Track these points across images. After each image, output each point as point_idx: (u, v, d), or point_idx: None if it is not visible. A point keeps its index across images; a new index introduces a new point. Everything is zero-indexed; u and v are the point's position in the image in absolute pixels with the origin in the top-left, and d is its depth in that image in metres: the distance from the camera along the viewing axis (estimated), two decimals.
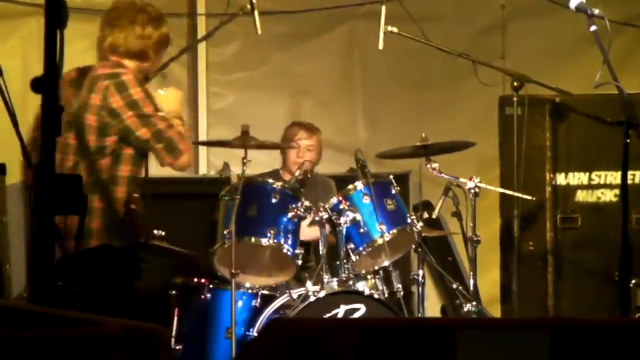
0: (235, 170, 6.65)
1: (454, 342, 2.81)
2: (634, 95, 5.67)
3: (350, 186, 5.70)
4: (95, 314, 2.72)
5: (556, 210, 6.30)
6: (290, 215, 5.54)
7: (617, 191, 6.21)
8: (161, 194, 6.11)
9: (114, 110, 4.57)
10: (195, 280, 5.70)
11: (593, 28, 5.09)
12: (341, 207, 5.62)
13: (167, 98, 4.78)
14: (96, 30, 4.84)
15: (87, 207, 3.32)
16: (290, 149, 6.30)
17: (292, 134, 6.37)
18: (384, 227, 5.58)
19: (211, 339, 5.59)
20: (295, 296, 5.53)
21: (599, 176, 6.29)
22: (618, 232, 5.15)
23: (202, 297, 5.63)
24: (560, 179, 6.31)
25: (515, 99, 6.16)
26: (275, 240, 5.47)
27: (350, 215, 5.60)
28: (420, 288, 5.81)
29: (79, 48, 5.74)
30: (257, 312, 5.58)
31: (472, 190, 5.76)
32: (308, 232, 5.69)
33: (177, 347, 5.57)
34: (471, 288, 5.77)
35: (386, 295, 5.61)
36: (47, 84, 3.08)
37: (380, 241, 5.59)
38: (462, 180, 5.80)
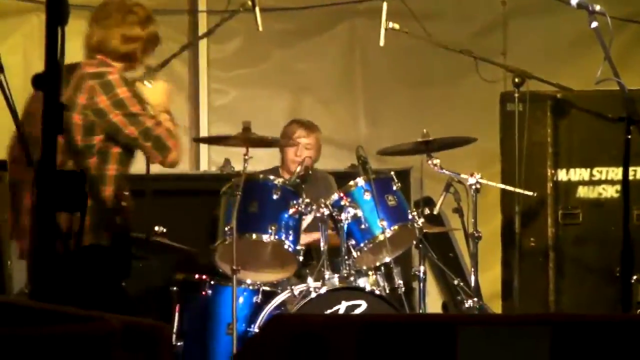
0: (237, 166, 6.66)
1: (455, 338, 2.81)
2: (635, 91, 5.67)
3: (352, 182, 5.70)
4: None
5: (557, 206, 6.30)
6: (291, 211, 5.54)
7: (618, 187, 6.20)
8: (162, 190, 6.11)
9: (101, 110, 4.54)
10: (197, 276, 5.70)
11: (594, 24, 5.09)
12: (342, 203, 5.63)
13: (154, 91, 4.74)
14: None
15: (87, 204, 3.31)
16: (289, 147, 6.30)
17: (290, 131, 6.37)
18: (385, 223, 5.58)
19: (212, 335, 5.59)
20: (296, 292, 5.53)
21: (600, 172, 6.29)
22: (619, 228, 5.15)
23: (203, 293, 5.64)
24: (562, 175, 6.31)
25: (516, 95, 6.16)
26: (277, 237, 5.48)
27: (352, 211, 5.60)
28: (421, 284, 5.81)
29: (80, 45, 5.73)
30: (258, 308, 5.58)
31: (473, 187, 5.76)
32: (303, 238, 5.69)
33: (178, 344, 5.58)
34: (472, 284, 5.77)
35: (387, 291, 5.62)
36: (48, 81, 3.08)
37: (381, 237, 5.59)
38: (463, 176, 5.79)
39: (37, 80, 3.10)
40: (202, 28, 7.39)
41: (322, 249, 5.59)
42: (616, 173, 6.22)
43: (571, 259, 6.28)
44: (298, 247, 5.55)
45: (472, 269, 5.79)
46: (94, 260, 4.52)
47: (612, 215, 6.05)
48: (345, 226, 5.59)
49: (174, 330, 5.61)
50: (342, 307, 5.40)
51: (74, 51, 4.31)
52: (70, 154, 4.56)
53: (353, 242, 5.62)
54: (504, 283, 6.34)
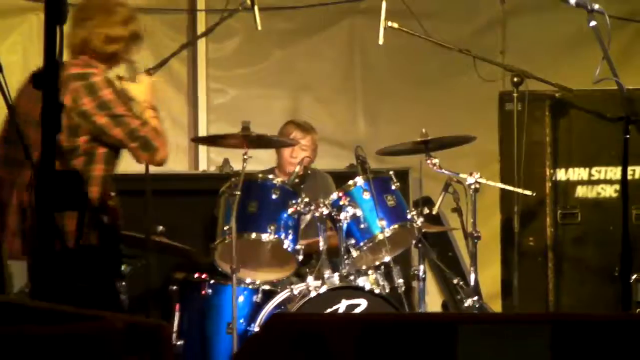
0: (236, 166, 6.66)
1: (455, 337, 2.81)
2: (634, 90, 5.68)
3: (351, 182, 5.70)
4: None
5: (556, 205, 6.31)
6: (290, 211, 5.55)
7: (617, 187, 6.21)
8: (161, 190, 6.10)
9: (85, 112, 4.51)
10: (196, 275, 5.70)
11: (593, 23, 5.09)
12: (341, 202, 5.63)
13: (139, 87, 4.73)
14: None
15: (87, 203, 3.31)
16: (284, 148, 6.29)
17: (286, 132, 6.37)
18: (384, 223, 5.58)
19: (212, 334, 5.60)
20: (296, 291, 5.53)
21: (599, 172, 6.29)
22: (618, 227, 5.15)
23: (203, 292, 5.64)
24: (561, 175, 6.32)
25: (515, 94, 6.16)
26: (276, 236, 5.48)
27: (351, 210, 5.60)
28: (421, 283, 5.81)
29: None
30: (258, 307, 5.59)
31: (473, 186, 5.76)
32: (302, 243, 5.69)
33: (179, 343, 5.58)
34: (472, 283, 5.77)
35: (387, 290, 5.61)
36: (47, 80, 3.08)
37: (380, 237, 5.59)
38: (462, 176, 5.79)
39: (36, 80, 3.10)
40: (201, 27, 7.38)
41: (321, 248, 5.59)
42: (615, 173, 6.23)
43: (570, 259, 6.29)
44: (297, 247, 5.55)
45: (472, 269, 5.79)
46: (84, 259, 4.50)
47: (611, 214, 6.05)
48: (345, 226, 5.59)
49: (174, 329, 5.61)
50: (342, 306, 5.41)
51: None
52: (56, 155, 4.53)
53: (352, 241, 5.62)
54: (504, 282, 6.35)
